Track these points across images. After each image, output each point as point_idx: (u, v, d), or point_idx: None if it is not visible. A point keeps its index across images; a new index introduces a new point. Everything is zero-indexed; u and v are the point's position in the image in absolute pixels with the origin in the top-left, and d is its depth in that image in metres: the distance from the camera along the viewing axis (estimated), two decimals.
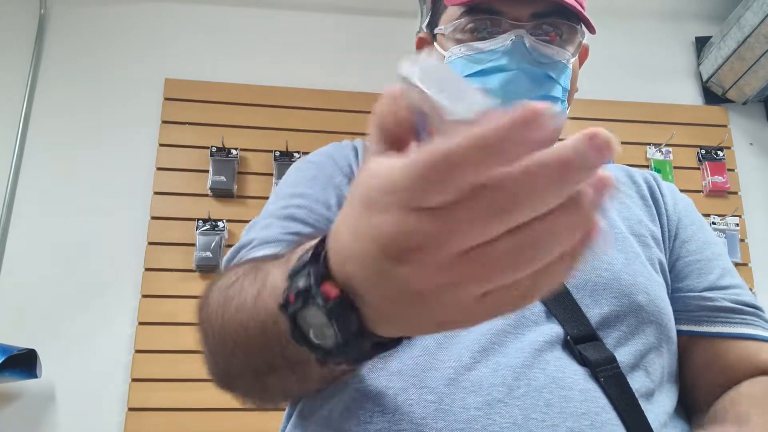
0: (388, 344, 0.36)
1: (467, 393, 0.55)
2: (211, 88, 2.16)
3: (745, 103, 2.37)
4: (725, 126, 2.35)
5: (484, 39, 0.72)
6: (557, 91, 0.73)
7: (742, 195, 2.27)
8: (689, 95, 2.39)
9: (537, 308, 0.63)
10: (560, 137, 0.59)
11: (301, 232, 0.62)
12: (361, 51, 2.28)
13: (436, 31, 0.77)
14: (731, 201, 2.25)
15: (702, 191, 2.25)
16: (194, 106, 2.14)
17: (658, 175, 0.82)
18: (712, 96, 2.38)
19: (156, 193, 2.04)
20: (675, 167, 2.26)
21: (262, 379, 0.51)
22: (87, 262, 1.97)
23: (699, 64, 2.41)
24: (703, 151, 2.27)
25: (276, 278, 0.43)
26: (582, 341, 0.61)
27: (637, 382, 0.61)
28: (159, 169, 2.07)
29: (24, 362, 1.74)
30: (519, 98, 0.67)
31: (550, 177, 0.25)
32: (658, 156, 2.25)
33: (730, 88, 2.33)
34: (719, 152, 2.27)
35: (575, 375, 0.58)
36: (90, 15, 2.22)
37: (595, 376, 0.59)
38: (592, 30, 0.74)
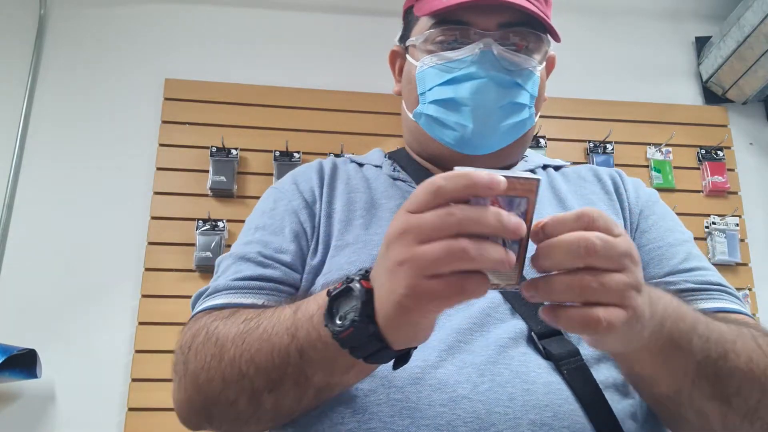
0: (396, 353, 0.49)
1: (433, 391, 0.57)
2: (211, 88, 2.16)
3: (745, 103, 2.37)
4: (725, 126, 2.35)
5: (454, 49, 0.75)
6: (524, 98, 0.76)
7: (742, 195, 2.27)
8: (689, 95, 2.39)
9: (502, 306, 0.65)
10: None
11: (251, 275, 0.70)
12: (361, 51, 2.27)
13: (408, 42, 0.81)
14: (731, 201, 2.25)
15: (702, 191, 2.25)
16: (194, 106, 2.13)
17: (623, 172, 0.85)
18: (712, 96, 2.38)
19: (156, 193, 2.04)
20: (675, 167, 2.25)
21: (259, 399, 0.57)
22: (87, 262, 1.97)
23: (699, 64, 2.41)
24: (703, 151, 2.27)
25: (322, 295, 0.54)
26: (546, 336, 0.63)
27: (602, 374, 0.62)
28: (159, 169, 2.07)
29: (24, 362, 1.74)
30: (488, 105, 0.73)
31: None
32: (658, 156, 2.25)
33: (730, 88, 2.33)
34: (719, 152, 2.27)
35: (539, 369, 0.60)
36: (90, 15, 2.22)
37: (559, 369, 0.60)
38: (557, 39, 0.77)
